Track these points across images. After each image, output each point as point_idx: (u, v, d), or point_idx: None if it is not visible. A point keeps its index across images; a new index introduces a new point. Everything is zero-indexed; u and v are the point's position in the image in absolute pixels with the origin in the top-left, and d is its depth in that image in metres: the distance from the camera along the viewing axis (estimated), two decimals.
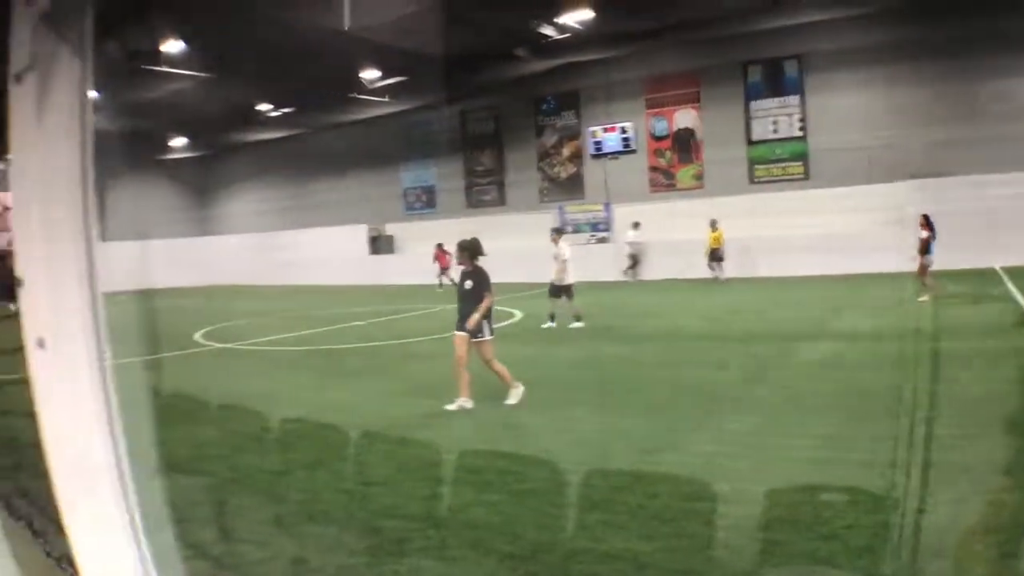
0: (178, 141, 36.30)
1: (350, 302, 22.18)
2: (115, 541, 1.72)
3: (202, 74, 23.18)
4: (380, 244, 33.21)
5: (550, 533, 3.95)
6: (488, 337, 7.77)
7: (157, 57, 20.76)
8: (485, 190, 31.40)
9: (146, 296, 23.63)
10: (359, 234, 32.97)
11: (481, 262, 7.95)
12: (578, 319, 13.71)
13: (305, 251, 33.64)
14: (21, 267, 1.72)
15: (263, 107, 29.85)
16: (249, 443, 6.13)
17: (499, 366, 7.82)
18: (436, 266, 25.07)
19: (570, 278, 13.75)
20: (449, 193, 32.25)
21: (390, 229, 33.31)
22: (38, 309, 1.71)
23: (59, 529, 1.76)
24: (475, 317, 7.61)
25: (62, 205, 1.68)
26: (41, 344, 1.68)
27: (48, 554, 2.21)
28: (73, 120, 1.66)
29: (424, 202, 33.26)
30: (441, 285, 24.32)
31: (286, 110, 30.20)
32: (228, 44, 20.05)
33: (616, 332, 13.40)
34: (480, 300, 7.68)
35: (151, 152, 36.20)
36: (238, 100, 27.80)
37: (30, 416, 1.73)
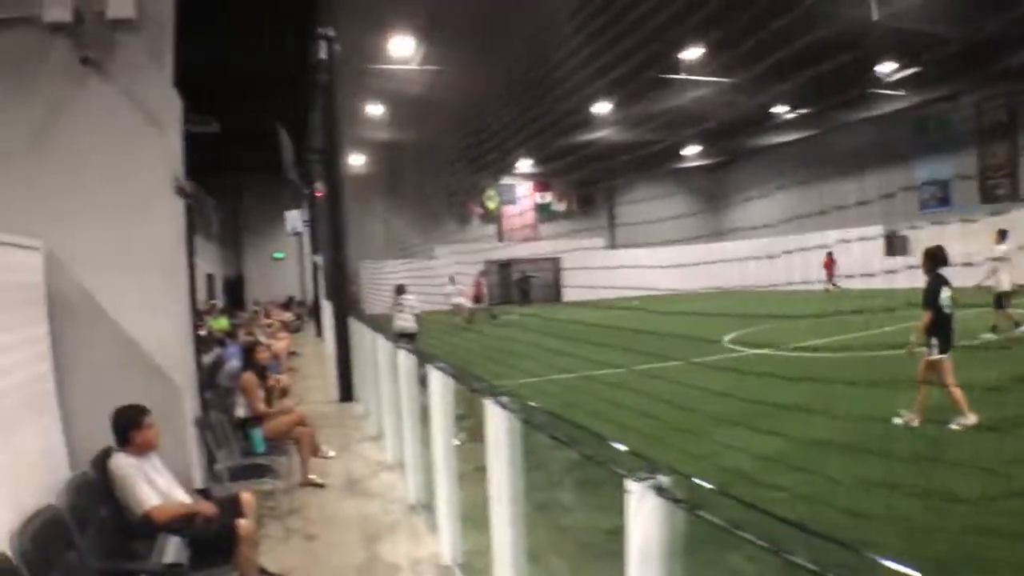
0: (691, 149, 37.42)
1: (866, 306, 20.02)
2: None
3: (722, 79, 23.48)
4: (895, 245, 32.03)
5: None
6: (937, 355, 7.58)
7: (676, 65, 21.50)
8: (999, 184, 29.28)
9: (662, 300, 26.20)
10: (874, 235, 31.86)
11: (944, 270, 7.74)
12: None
13: (813, 256, 32.29)
14: None
15: (777, 110, 29.89)
16: None
17: (953, 388, 7.53)
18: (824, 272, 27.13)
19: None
20: (964, 190, 30.30)
21: (904, 230, 31.64)
22: None
23: None
24: (913, 337, 7.73)
25: None
26: None
27: None
28: None
29: (939, 200, 31.72)
30: (827, 291, 25.67)
31: (801, 111, 29.21)
32: (751, 45, 19.26)
33: None
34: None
35: (663, 162, 37.63)
36: (754, 103, 27.35)
37: None
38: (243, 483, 6.32)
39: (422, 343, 12.29)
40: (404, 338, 13.10)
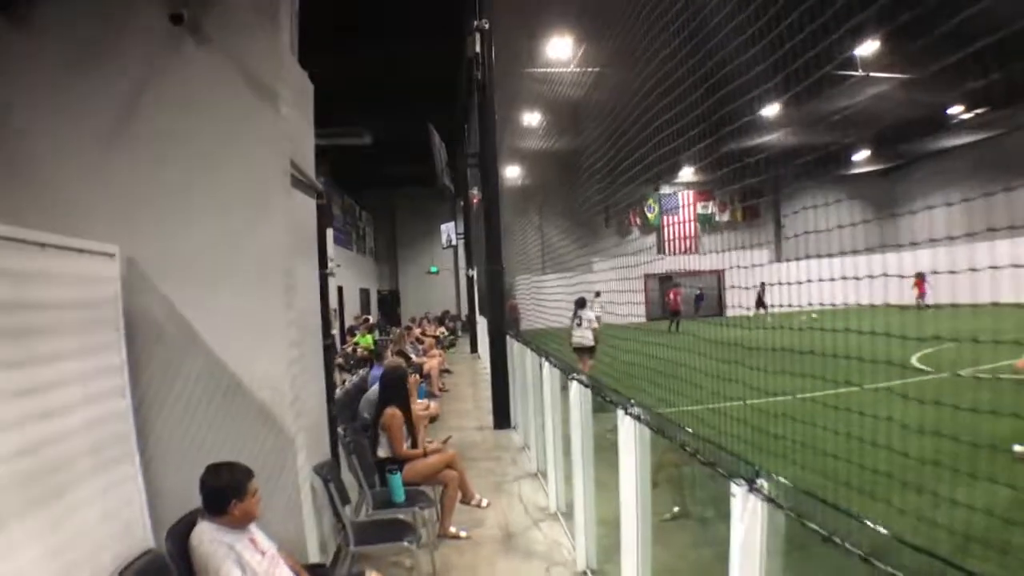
0: (861, 154, 35.21)
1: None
2: None
3: (900, 76, 21.83)
4: None
5: None
6: None
7: (851, 61, 20.17)
8: None
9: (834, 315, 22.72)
10: None
11: None
12: None
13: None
14: None
15: (954, 110, 27.10)
16: None
17: None
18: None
19: None
20: None
21: None
22: None
23: None
24: None
25: None
26: None
27: None
28: None
29: None
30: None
31: (980, 111, 26.30)
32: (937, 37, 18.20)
33: None
34: None
35: (831, 168, 35.75)
36: (932, 102, 25.31)
37: None
38: (374, 546, 5.10)
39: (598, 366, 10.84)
40: (583, 352, 12.11)
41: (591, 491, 5.22)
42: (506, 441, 9.86)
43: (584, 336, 12.58)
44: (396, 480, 5.93)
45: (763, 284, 32.48)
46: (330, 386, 5.85)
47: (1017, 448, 6.49)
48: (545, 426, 7.15)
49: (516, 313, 12.45)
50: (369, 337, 17.15)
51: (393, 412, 6.30)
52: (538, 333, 11.16)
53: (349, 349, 15.88)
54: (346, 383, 9.87)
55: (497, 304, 11.06)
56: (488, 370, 16.32)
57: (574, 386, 5.38)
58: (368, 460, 6.18)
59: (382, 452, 6.26)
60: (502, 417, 10.70)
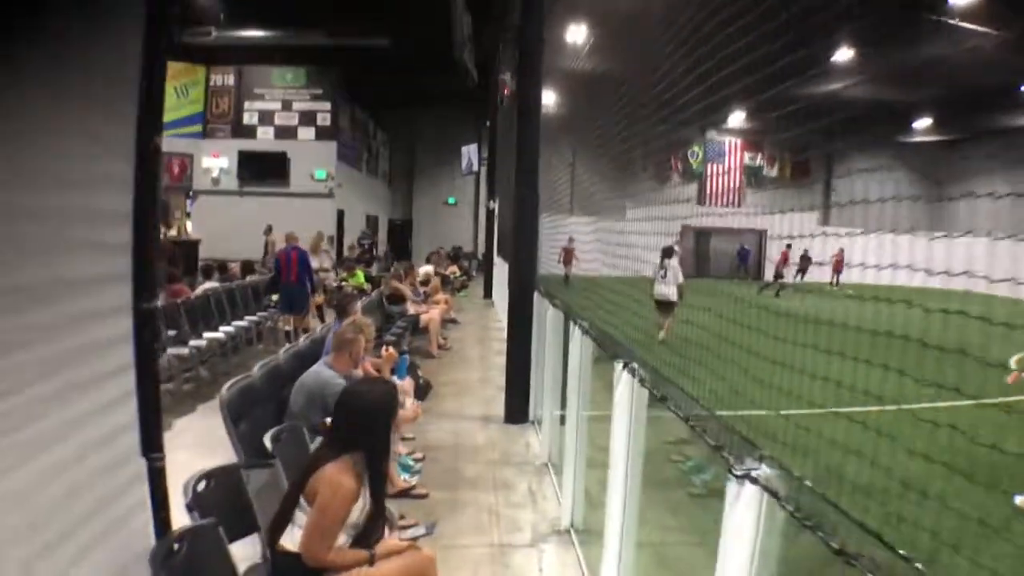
0: (923, 121, 31.54)
1: None
2: None
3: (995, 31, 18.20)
4: None
5: None
6: None
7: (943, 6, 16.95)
8: None
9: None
10: None
11: None
12: None
13: None
14: None
15: None
16: None
17: None
18: None
19: None
20: None
21: None
22: None
23: None
24: None
25: None
26: None
27: None
28: None
29: None
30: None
31: None
32: None
33: None
34: None
35: (891, 132, 32.53)
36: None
37: None
38: None
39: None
40: (664, 307, 11.10)
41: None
42: (520, 449, 6.72)
43: (668, 290, 11.79)
44: None
45: (806, 252, 29.21)
46: (147, 385, 2.70)
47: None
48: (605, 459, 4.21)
49: (570, 260, 9.40)
50: (361, 274, 13.97)
51: (340, 481, 3.00)
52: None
53: (334, 285, 12.79)
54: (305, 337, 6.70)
55: (527, 246, 7.79)
56: (503, 327, 13.25)
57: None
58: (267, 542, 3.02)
59: (288, 541, 3.06)
60: (518, 407, 7.56)
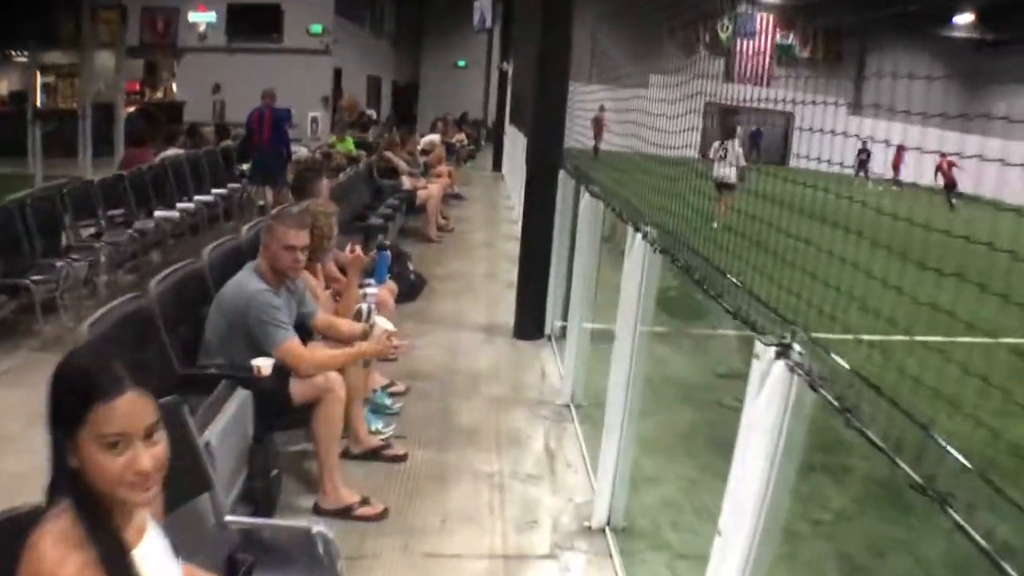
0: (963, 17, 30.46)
1: None
2: None
3: None
4: None
5: None
6: None
7: None
8: None
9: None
10: None
11: None
12: None
13: None
14: None
15: None
16: None
17: None
18: None
19: None
20: None
21: None
22: None
23: None
24: None
25: None
26: None
27: None
28: None
29: None
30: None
31: None
32: None
33: None
34: None
35: (925, 24, 30.89)
36: None
37: None
38: None
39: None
40: (724, 188, 10.24)
41: None
42: (534, 379, 5.17)
43: (728, 173, 11.10)
44: None
45: (865, 144, 26.91)
46: None
47: None
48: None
49: (600, 132, 7.47)
50: (351, 140, 12.13)
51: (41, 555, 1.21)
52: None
53: (318, 155, 11.01)
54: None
55: (553, 113, 5.97)
56: (514, 206, 11.61)
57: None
58: None
59: None
60: (532, 318, 5.97)
